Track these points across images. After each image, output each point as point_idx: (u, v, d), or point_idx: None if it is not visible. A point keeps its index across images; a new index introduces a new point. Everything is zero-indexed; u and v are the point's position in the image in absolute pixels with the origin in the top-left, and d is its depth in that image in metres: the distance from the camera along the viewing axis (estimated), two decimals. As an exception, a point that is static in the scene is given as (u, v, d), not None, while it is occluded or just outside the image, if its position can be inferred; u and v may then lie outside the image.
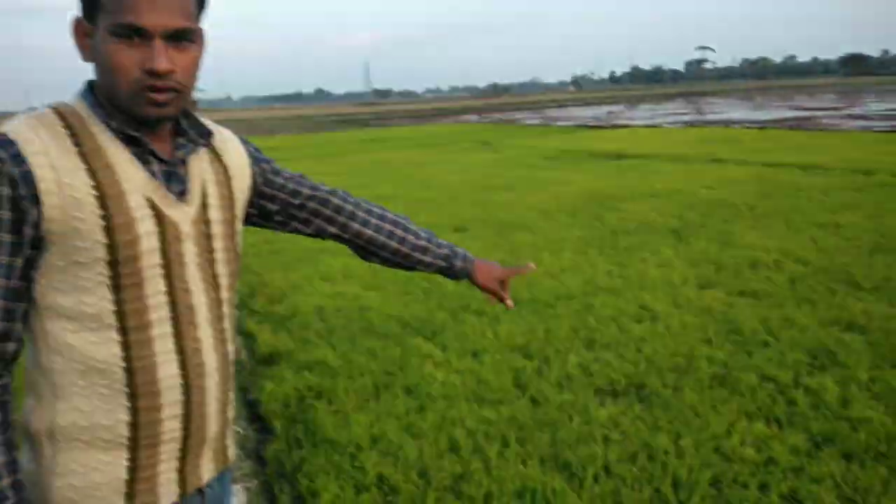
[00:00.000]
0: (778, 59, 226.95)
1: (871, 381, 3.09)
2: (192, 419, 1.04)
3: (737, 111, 30.09)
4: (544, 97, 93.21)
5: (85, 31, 0.97)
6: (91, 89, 1.00)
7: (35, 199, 0.91)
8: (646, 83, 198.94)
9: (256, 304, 4.77)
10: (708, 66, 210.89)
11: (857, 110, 25.79)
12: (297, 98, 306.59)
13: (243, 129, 38.64)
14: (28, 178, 0.90)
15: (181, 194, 1.03)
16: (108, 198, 0.94)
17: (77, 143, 0.94)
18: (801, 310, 4.01)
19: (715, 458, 2.53)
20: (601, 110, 38.41)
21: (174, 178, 1.02)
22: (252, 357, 3.87)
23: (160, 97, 0.94)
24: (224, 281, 1.09)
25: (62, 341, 0.96)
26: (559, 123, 26.96)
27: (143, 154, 0.99)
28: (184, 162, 1.04)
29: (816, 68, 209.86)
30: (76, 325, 0.96)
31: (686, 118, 26.25)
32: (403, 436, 2.82)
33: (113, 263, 0.95)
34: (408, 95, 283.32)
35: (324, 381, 3.38)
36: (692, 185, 8.73)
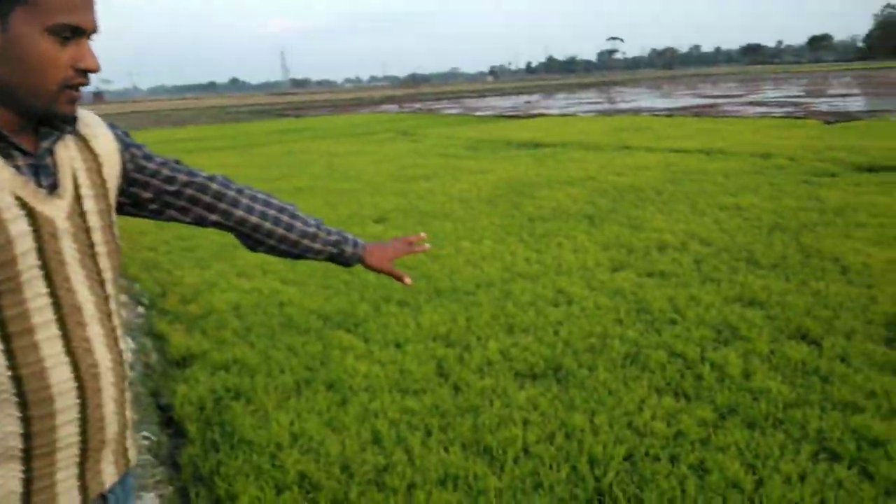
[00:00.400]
0: (684, 48, 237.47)
1: (771, 353, 3.30)
2: (90, 422, 1.00)
3: (646, 100, 31.28)
4: (463, 87, 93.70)
5: None
6: None
7: None
8: (560, 73, 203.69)
9: (168, 303, 4.57)
10: (618, 56, 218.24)
11: (756, 97, 27.35)
12: (210, 88, 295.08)
13: (151, 120, 36.83)
14: None
15: (52, 188, 0.97)
16: None
17: None
18: (706, 288, 4.23)
19: (628, 433, 2.64)
20: (519, 100, 39.02)
21: (42, 171, 0.97)
22: (164, 359, 3.71)
23: (78, 94, 0.95)
24: (108, 275, 1.05)
25: None
26: (478, 113, 27.19)
27: (5, 149, 0.93)
28: (51, 152, 0.99)
29: (719, 58, 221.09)
30: None
31: (599, 107, 27.05)
32: (325, 431, 2.78)
33: None
34: (326, 85, 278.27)
35: (242, 380, 3.29)
36: (604, 172, 9.02)
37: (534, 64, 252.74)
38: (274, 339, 3.82)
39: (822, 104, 21.08)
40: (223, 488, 2.43)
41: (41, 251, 0.93)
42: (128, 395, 1.09)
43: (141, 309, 4.58)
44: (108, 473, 1.07)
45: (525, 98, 41.20)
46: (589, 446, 2.54)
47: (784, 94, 29.00)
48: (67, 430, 0.97)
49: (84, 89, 0.97)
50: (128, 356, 1.09)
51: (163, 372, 3.56)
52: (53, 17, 0.89)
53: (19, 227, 0.91)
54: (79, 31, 0.92)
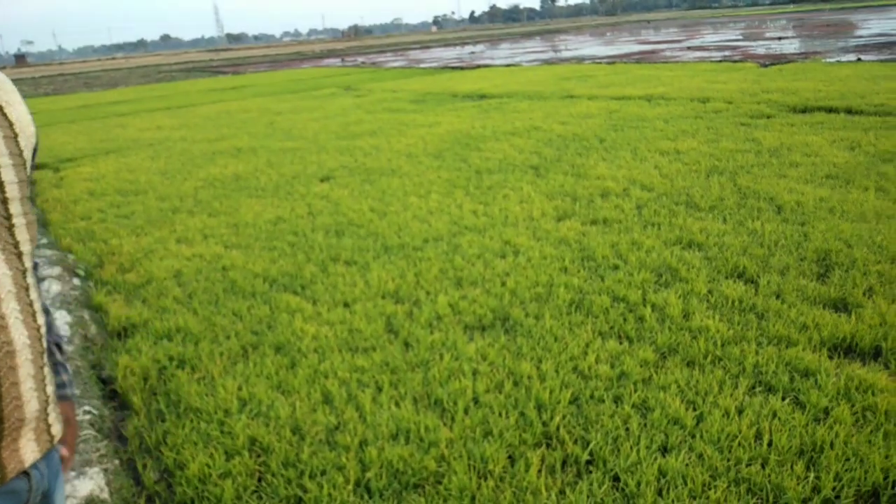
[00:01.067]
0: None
1: (709, 292, 3.40)
2: (4, 401, 0.96)
3: (589, 47, 31.25)
4: (407, 38, 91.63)
5: None
6: None
7: None
8: (504, 22, 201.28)
9: (105, 273, 4.40)
10: (561, 3, 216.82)
11: (695, 42, 27.65)
12: (140, 46, 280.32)
13: (80, 82, 34.86)
14: None
15: None
16: None
17: None
18: (647, 233, 4.32)
19: (573, 377, 2.70)
20: (463, 51, 38.45)
21: None
22: (104, 331, 3.59)
23: None
24: (26, 248, 1.00)
25: None
26: (423, 65, 26.71)
27: None
28: None
29: (661, 3, 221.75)
30: None
31: (543, 56, 26.91)
32: (274, 395, 2.75)
33: None
34: (264, 39, 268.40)
35: (186, 349, 3.22)
36: (549, 121, 9.03)
37: (477, 13, 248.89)
38: (218, 305, 3.74)
39: (759, 47, 21.47)
40: (171, 458, 2.40)
41: None
42: (47, 370, 1.05)
43: (77, 280, 4.40)
44: (29, 450, 1.03)
45: (470, 48, 40.64)
46: (536, 392, 2.59)
47: (722, 38, 29.38)
48: None
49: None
50: (45, 331, 1.05)
51: (103, 344, 3.45)
52: None
53: None
54: None
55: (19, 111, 1.03)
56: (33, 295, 1.01)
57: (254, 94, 18.33)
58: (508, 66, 22.40)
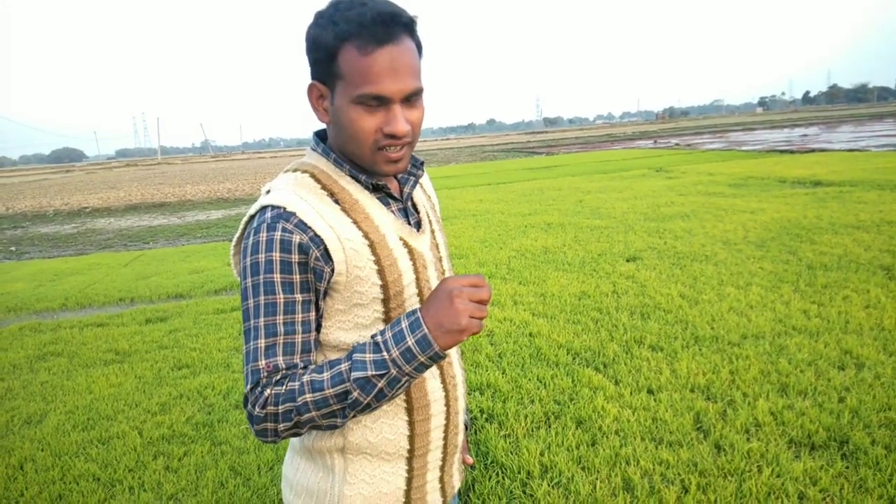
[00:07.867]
0: None
1: None
2: (449, 429, 1.15)
3: (965, 131, 26.00)
4: (727, 120, 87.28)
5: (321, 94, 1.03)
6: (327, 146, 1.09)
7: (327, 258, 0.99)
8: (846, 102, 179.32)
9: (430, 325, 4.96)
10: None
11: None
12: (469, 129, 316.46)
13: (420, 159, 40.67)
14: (317, 241, 0.98)
15: (417, 225, 1.14)
16: (375, 245, 1.04)
17: (336, 201, 1.04)
18: None
19: (943, 533, 2.18)
20: (793, 133, 35.23)
21: (408, 212, 1.14)
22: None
23: (395, 155, 1.02)
24: None
25: None
26: (745, 148, 25.12)
27: (384, 199, 1.10)
28: (410, 196, 1.15)
29: None
30: None
31: (898, 140, 23.19)
32: (574, 468, 2.76)
33: (385, 300, 1.04)
34: (578, 122, 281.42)
35: (495, 404, 3.42)
36: (908, 216, 7.68)
37: (813, 93, 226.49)
38: (524, 369, 3.92)
39: None
40: (476, 507, 2.54)
41: (417, 280, 1.09)
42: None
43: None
44: (456, 479, 1.20)
45: (801, 131, 37.07)
46: (887, 540, 2.15)
47: None
48: (436, 434, 1.13)
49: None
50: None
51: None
52: (357, 89, 0.96)
53: (405, 263, 1.07)
54: (384, 100, 0.97)
55: (429, 184, 1.29)
56: None
57: (565, 173, 19.21)
58: (851, 150, 19.81)
